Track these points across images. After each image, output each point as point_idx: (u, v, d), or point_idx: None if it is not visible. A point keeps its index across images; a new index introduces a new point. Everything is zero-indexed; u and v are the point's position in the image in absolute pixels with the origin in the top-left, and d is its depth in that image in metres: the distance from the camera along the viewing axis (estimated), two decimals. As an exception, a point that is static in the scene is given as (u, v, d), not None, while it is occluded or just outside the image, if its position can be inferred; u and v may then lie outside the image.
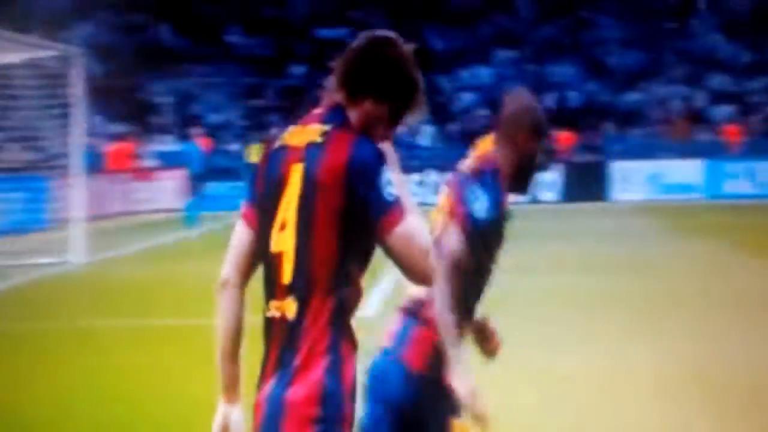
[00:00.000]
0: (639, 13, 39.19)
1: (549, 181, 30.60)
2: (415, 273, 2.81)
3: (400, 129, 3.00)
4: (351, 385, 2.85)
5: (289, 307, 2.85)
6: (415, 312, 3.86)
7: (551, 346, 9.43)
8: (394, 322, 3.92)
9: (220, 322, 2.98)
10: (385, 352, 3.87)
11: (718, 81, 36.82)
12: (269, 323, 2.89)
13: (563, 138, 32.98)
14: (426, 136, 34.51)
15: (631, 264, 15.33)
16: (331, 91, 2.95)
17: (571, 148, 32.90)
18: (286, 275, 2.86)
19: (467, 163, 3.99)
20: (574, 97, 36.78)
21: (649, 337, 9.76)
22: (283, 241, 2.87)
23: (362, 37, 2.97)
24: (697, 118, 35.19)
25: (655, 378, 8.10)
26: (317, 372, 2.80)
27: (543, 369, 8.51)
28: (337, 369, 2.82)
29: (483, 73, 37.94)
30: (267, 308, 2.90)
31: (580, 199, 29.99)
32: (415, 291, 3.85)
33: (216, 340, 2.97)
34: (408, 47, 2.96)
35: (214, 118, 35.84)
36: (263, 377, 2.88)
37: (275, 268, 2.88)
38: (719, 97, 36.11)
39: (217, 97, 37.21)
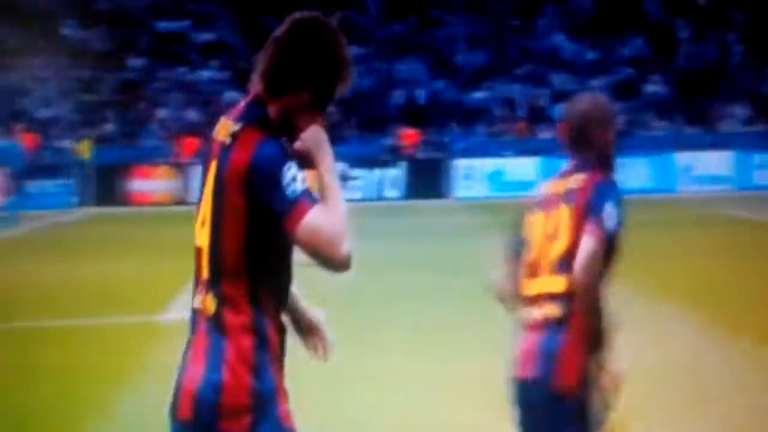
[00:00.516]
0: (486, 12, 39.47)
1: (393, 178, 30.41)
2: (326, 263, 2.83)
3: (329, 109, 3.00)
4: (280, 372, 2.95)
5: (209, 303, 2.94)
6: (555, 329, 3.90)
7: (393, 343, 9.50)
8: (526, 341, 3.94)
9: None
10: (535, 380, 3.90)
11: (561, 79, 37.33)
12: (194, 313, 2.99)
13: (407, 135, 32.92)
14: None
15: (468, 261, 15.34)
16: (254, 83, 2.98)
17: (416, 145, 32.85)
18: (205, 271, 2.95)
19: (571, 184, 4.06)
20: (421, 95, 36.76)
21: (482, 329, 9.95)
22: (202, 236, 2.96)
23: (283, 24, 2.99)
24: (540, 116, 35.60)
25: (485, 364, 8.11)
26: (248, 366, 2.88)
27: (391, 367, 8.53)
28: (266, 360, 2.91)
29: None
30: (193, 298, 3.01)
31: (423, 196, 29.87)
32: (549, 309, 3.91)
33: None
34: (329, 22, 2.98)
35: (44, 113, 34.49)
36: (188, 363, 2.96)
37: (198, 262, 2.98)
38: (562, 95, 36.58)
39: (48, 92, 35.82)
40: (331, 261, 2.82)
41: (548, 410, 3.86)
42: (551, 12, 39.81)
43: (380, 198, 29.98)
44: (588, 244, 3.84)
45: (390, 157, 31.06)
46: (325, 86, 2.96)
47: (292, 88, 2.93)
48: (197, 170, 3.21)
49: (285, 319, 3.03)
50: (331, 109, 3.02)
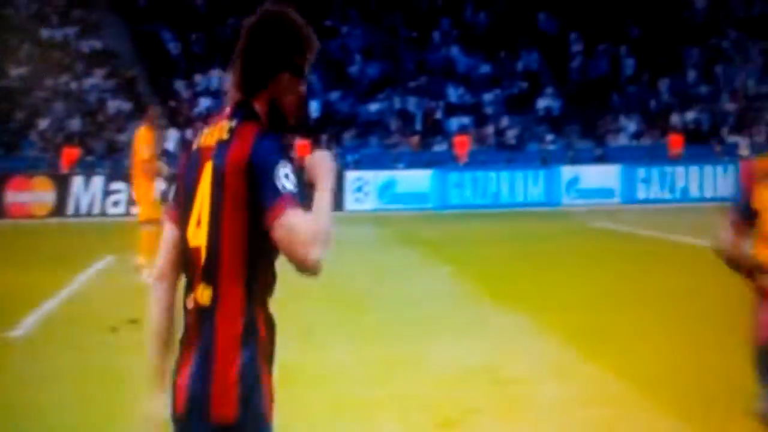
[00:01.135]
0: (382, 23, 39.34)
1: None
2: (295, 262, 2.92)
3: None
4: (268, 365, 3.04)
5: (204, 295, 3.02)
6: None
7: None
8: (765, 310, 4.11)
9: (155, 312, 3.16)
10: None
11: (456, 92, 37.37)
12: (186, 313, 3.08)
13: (300, 146, 32.53)
14: (171, 140, 33.34)
15: (359, 272, 15.64)
16: (232, 90, 3.12)
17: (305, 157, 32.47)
18: (202, 266, 3.03)
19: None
20: (315, 106, 36.46)
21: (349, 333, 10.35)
22: (199, 235, 3.04)
23: (240, 37, 3.12)
24: (434, 128, 35.55)
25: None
26: (236, 356, 2.97)
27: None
28: (254, 351, 2.99)
29: (222, 79, 37.00)
30: (186, 300, 3.09)
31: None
32: None
33: (149, 331, 3.16)
34: (274, 7, 3.11)
35: None
36: (182, 362, 3.05)
37: (193, 262, 3.06)
38: (455, 108, 36.63)
39: None
40: (302, 262, 2.90)
41: None
42: (446, 25, 39.86)
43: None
44: None
45: (281, 168, 30.63)
46: (298, 60, 3.12)
47: (270, 77, 3.09)
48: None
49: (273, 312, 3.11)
50: None
